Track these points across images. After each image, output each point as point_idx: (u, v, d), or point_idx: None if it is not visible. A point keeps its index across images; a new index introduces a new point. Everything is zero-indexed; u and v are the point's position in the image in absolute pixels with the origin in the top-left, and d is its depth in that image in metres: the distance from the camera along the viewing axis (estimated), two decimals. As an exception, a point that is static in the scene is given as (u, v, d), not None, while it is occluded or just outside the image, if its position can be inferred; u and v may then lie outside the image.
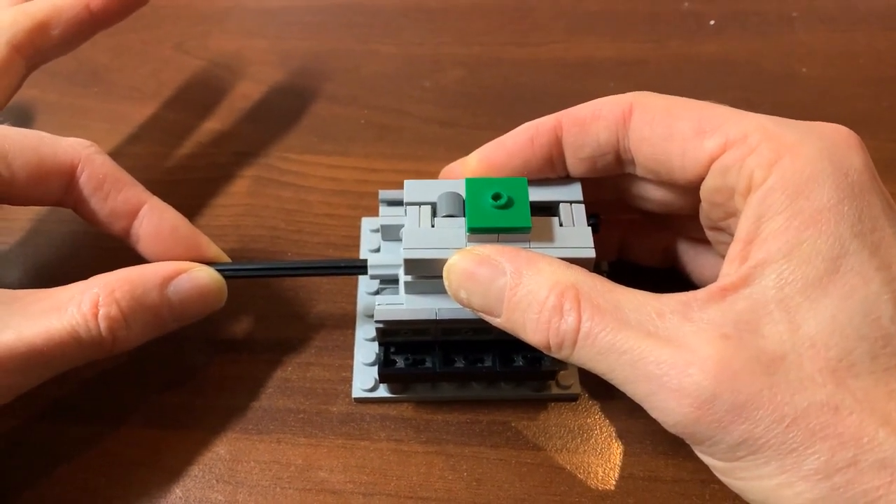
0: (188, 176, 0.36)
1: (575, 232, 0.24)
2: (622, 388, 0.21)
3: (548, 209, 0.25)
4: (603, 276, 0.22)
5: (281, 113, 0.39)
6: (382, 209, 0.27)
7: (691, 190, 0.23)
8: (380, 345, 0.27)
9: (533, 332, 0.21)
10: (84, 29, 0.31)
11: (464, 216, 0.24)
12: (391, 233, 0.27)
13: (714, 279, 0.21)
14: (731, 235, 0.22)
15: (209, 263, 0.27)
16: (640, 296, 0.21)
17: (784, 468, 0.18)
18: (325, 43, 0.43)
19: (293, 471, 0.26)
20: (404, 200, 0.25)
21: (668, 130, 0.23)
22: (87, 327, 0.23)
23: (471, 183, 0.24)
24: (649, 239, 0.29)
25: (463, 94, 0.40)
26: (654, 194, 0.25)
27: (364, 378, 0.28)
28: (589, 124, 0.24)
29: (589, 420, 0.28)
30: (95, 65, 0.41)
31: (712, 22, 0.44)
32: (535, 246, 0.24)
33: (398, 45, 0.42)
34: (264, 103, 0.39)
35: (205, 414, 0.28)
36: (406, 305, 0.25)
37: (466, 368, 0.27)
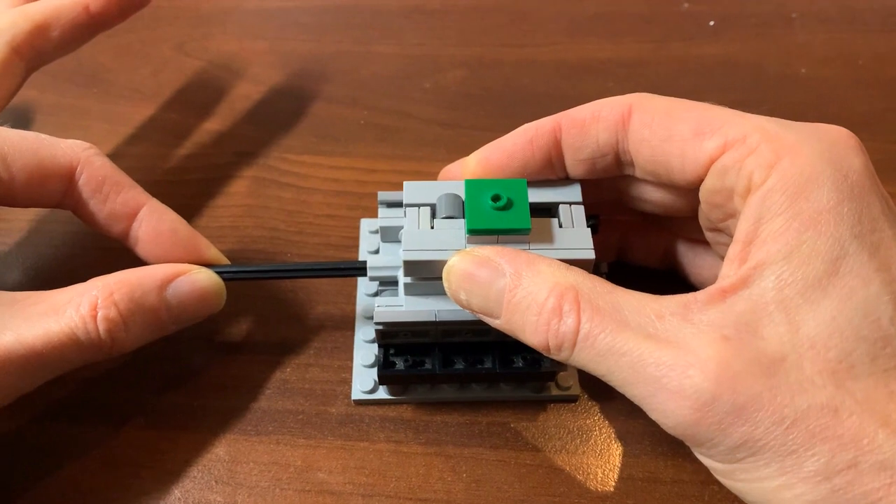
0: (188, 177, 0.36)
1: (574, 233, 0.24)
2: (622, 390, 0.21)
3: (547, 210, 0.25)
4: (602, 277, 0.22)
5: (281, 114, 0.39)
6: (382, 211, 0.27)
7: (690, 191, 0.23)
8: (379, 346, 0.27)
9: (532, 333, 0.21)
10: (83, 31, 0.31)
11: (463, 218, 0.24)
12: (390, 234, 0.27)
13: (713, 280, 0.21)
14: (731, 236, 0.22)
15: (208, 265, 0.27)
16: (639, 297, 0.21)
17: (784, 470, 0.18)
18: (325, 44, 0.43)
19: (292, 472, 0.26)
20: (403, 202, 0.25)
21: (667, 132, 0.23)
22: (85, 329, 0.23)
23: (470, 184, 0.24)
24: (648, 240, 0.29)
25: (463, 95, 0.40)
26: (654, 196, 0.25)
27: (363, 380, 0.28)
28: (588, 126, 0.24)
29: (588, 421, 0.28)
30: (95, 65, 0.41)
31: (712, 23, 0.44)
32: (535, 247, 0.23)
33: (398, 46, 0.42)
34: (264, 104, 0.39)
35: (204, 415, 0.28)
36: (405, 307, 0.25)
37: (466, 370, 0.27)
